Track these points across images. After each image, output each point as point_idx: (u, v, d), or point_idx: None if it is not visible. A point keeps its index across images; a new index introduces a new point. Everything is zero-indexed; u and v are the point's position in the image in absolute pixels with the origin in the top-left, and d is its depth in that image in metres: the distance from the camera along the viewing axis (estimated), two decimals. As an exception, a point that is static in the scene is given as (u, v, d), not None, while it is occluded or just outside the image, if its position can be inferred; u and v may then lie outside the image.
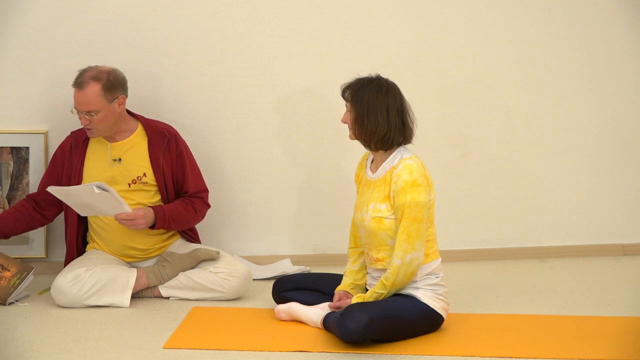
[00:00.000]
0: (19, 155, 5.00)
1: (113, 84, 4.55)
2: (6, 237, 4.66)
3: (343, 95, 4.08)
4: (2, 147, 4.99)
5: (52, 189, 4.44)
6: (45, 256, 5.04)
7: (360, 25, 5.16)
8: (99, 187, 4.33)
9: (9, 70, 4.98)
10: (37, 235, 5.00)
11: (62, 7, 4.97)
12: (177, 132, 4.74)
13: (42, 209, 4.67)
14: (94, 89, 4.51)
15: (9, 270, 4.49)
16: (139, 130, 4.68)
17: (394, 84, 4.05)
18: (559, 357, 3.76)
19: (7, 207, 4.99)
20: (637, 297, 4.59)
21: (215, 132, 5.12)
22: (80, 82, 4.53)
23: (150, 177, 4.62)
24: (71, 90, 4.98)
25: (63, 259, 4.96)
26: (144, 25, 5.03)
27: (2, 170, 5.00)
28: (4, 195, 5.00)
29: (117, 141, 4.64)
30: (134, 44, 4.93)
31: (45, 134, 5.01)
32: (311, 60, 5.15)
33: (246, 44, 5.11)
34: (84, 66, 4.97)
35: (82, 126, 4.62)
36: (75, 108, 4.54)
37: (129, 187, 4.58)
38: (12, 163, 5.00)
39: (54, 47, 4.99)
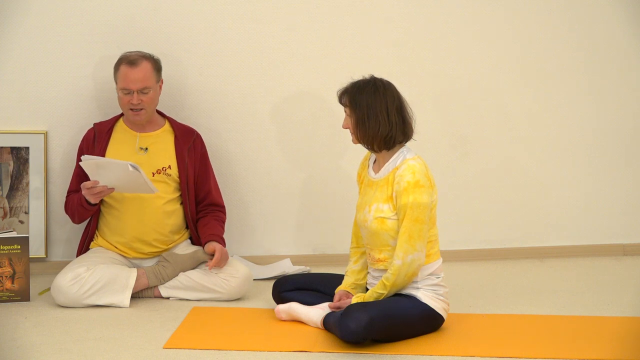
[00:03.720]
0: (19, 155, 5.00)
1: (158, 64, 4.65)
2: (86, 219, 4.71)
3: (340, 101, 4.07)
4: (2, 147, 4.99)
5: (85, 158, 4.40)
6: (45, 256, 5.04)
7: (360, 26, 5.16)
8: (132, 166, 4.34)
9: (9, 70, 4.98)
10: (37, 235, 5.00)
11: (63, 7, 4.97)
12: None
13: None
14: (146, 66, 4.57)
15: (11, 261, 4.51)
16: (167, 126, 4.74)
17: (389, 82, 4.04)
18: (559, 357, 3.76)
19: (6, 207, 4.99)
20: (637, 297, 4.59)
21: (215, 132, 5.12)
22: (133, 60, 4.55)
23: (174, 171, 4.65)
24: (71, 91, 5.00)
25: (63, 259, 4.98)
26: (144, 25, 5.03)
27: (2, 170, 5.00)
28: (4, 195, 5.00)
29: (146, 132, 4.67)
30: (134, 44, 4.92)
31: (45, 134, 5.01)
32: (311, 60, 5.15)
33: (246, 44, 5.11)
34: (84, 66, 4.99)
35: (103, 119, 4.66)
36: (126, 88, 4.55)
37: (153, 176, 4.59)
38: (12, 163, 5.00)
39: (54, 48, 4.99)
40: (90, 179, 4.43)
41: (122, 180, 4.39)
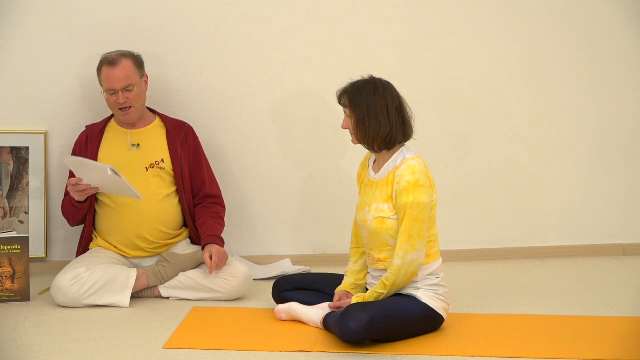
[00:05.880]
0: (19, 155, 5.00)
1: (139, 60, 4.66)
2: (82, 223, 4.71)
3: (340, 102, 4.07)
4: (2, 147, 5.00)
5: (69, 158, 4.43)
6: (45, 256, 5.04)
7: (360, 26, 5.16)
8: (112, 170, 4.34)
9: (9, 70, 4.99)
10: (37, 235, 5.00)
11: (63, 7, 4.97)
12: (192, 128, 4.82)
13: None
14: (127, 64, 4.58)
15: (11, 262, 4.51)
16: (157, 121, 4.75)
17: (388, 82, 4.05)
18: (559, 357, 3.76)
19: (6, 207, 4.99)
20: (637, 297, 4.59)
21: (215, 132, 5.12)
22: (112, 60, 4.57)
23: (168, 164, 4.65)
24: (71, 91, 4.99)
25: (63, 259, 4.98)
26: (144, 25, 5.03)
27: (2, 170, 5.00)
28: (4, 195, 5.01)
29: (137, 128, 4.68)
30: (134, 44, 4.92)
31: (45, 134, 5.01)
32: (311, 60, 5.15)
33: (246, 44, 5.11)
34: (84, 66, 4.99)
35: (93, 122, 4.66)
36: (111, 88, 4.56)
37: (147, 171, 4.60)
38: (12, 163, 5.01)
39: (54, 47, 4.99)
40: (76, 176, 4.44)
41: (105, 182, 4.41)
